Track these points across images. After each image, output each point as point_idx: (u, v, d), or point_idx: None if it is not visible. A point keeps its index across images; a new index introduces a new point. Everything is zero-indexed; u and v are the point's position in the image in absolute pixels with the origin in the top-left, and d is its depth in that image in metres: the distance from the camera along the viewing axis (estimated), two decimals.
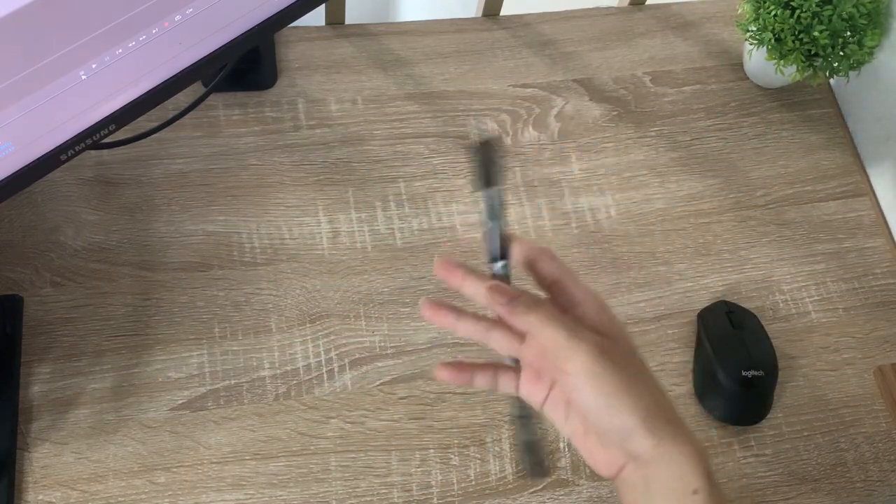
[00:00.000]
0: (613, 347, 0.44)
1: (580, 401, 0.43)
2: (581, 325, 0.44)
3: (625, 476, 0.44)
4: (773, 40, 0.78)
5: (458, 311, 0.49)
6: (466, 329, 0.49)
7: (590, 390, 0.42)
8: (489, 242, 0.49)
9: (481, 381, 0.50)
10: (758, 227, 0.80)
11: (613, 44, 0.88)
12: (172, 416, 0.67)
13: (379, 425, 0.68)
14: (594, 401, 0.43)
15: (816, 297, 0.78)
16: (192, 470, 0.65)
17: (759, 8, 0.78)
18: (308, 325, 0.71)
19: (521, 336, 0.47)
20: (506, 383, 0.50)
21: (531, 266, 0.50)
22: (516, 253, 0.49)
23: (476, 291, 0.48)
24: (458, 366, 0.50)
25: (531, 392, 0.49)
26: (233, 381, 0.68)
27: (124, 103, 0.58)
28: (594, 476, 0.68)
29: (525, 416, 0.50)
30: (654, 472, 0.42)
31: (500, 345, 0.48)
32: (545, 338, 0.44)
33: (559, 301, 0.48)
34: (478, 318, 0.49)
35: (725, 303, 0.75)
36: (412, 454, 0.68)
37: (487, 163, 0.50)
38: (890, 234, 0.82)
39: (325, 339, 0.71)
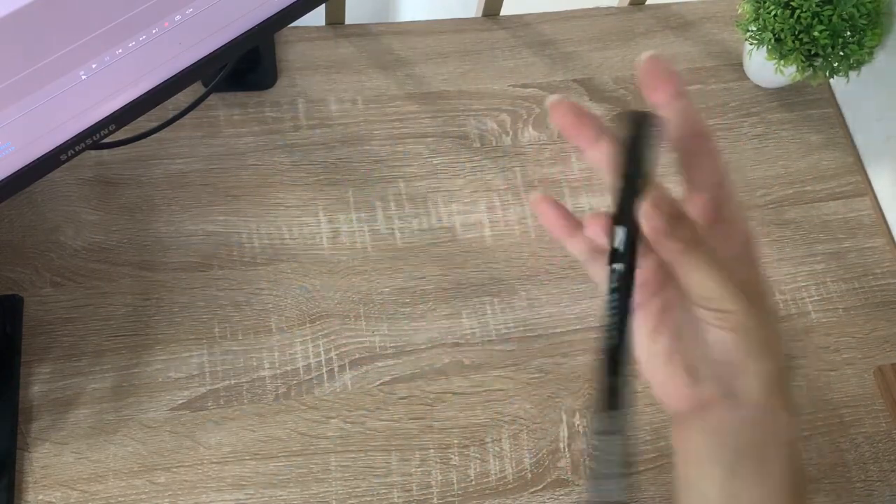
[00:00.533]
0: (766, 306, 0.40)
1: (722, 342, 0.39)
2: (733, 276, 0.39)
3: (691, 422, 0.40)
4: (773, 40, 0.78)
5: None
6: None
7: (725, 329, 0.39)
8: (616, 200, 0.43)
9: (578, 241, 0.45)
10: (758, 227, 0.80)
11: (613, 44, 0.88)
12: (172, 416, 0.67)
13: (379, 425, 0.68)
14: (726, 340, 0.39)
15: (816, 297, 0.78)
16: (192, 470, 0.65)
17: (759, 8, 0.78)
18: (308, 325, 0.71)
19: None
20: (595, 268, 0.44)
21: (686, 164, 0.42)
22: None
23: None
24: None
25: (640, 289, 0.42)
26: (233, 381, 0.68)
27: (124, 103, 0.58)
28: None
29: (610, 436, 0.39)
30: (753, 416, 0.39)
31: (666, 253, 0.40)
32: (695, 281, 0.39)
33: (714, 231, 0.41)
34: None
35: None
36: (412, 454, 0.68)
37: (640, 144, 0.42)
38: (890, 234, 0.82)
39: (325, 339, 0.71)
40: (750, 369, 0.39)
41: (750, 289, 0.39)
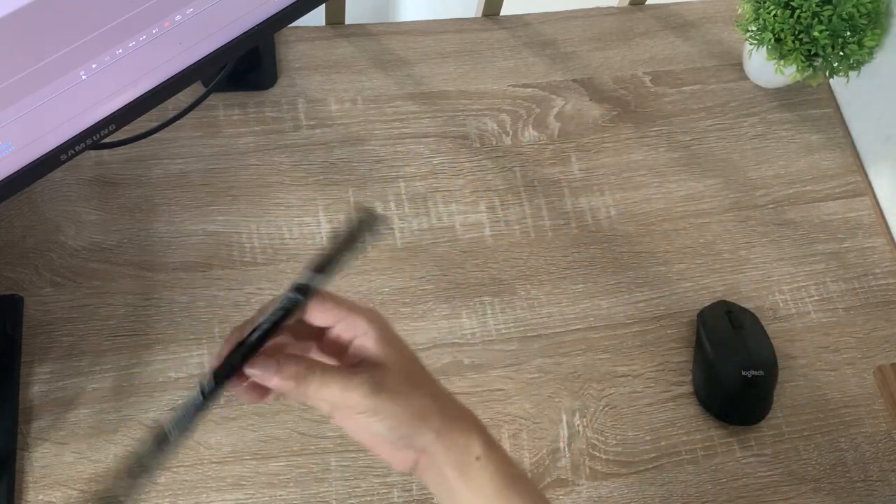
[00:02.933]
0: (386, 375, 0.47)
1: (364, 439, 0.49)
2: (352, 371, 0.47)
3: (421, 466, 0.49)
4: (773, 40, 0.78)
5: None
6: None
7: (375, 423, 0.47)
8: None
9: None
10: (758, 227, 0.80)
11: (613, 44, 0.88)
12: None
13: None
14: (380, 428, 0.47)
15: (816, 297, 0.78)
16: (192, 470, 0.65)
17: (759, 8, 0.78)
18: None
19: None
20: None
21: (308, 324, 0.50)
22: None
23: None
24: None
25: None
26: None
27: (124, 103, 0.58)
28: (594, 476, 0.68)
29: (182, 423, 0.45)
30: (440, 457, 0.48)
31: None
32: (323, 396, 0.46)
33: (336, 341, 0.50)
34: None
35: (725, 303, 0.75)
36: None
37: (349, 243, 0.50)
38: (890, 234, 0.82)
39: None
40: (403, 426, 0.47)
41: (378, 360, 0.48)
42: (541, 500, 0.49)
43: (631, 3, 0.91)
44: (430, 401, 0.49)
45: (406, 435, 0.48)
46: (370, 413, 0.46)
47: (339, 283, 0.73)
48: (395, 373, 0.48)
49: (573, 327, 0.73)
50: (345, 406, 0.47)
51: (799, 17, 0.76)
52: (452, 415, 0.49)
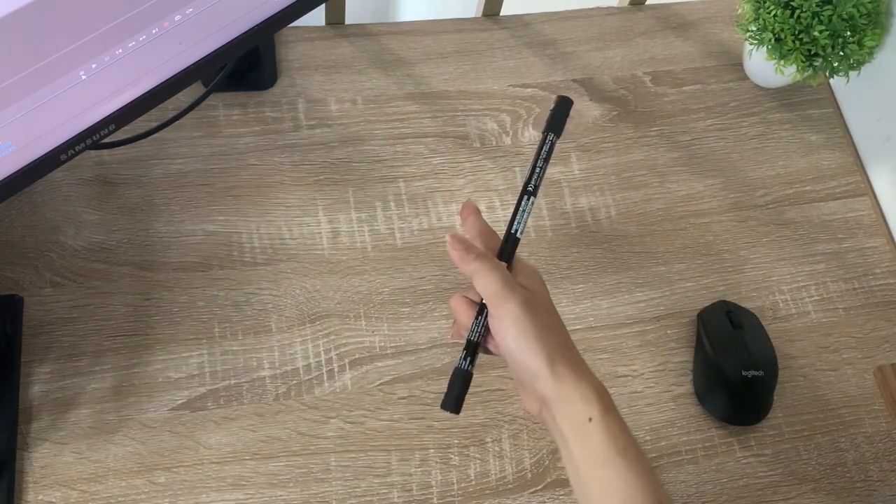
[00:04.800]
0: (536, 301, 0.52)
1: (504, 343, 0.51)
2: (514, 280, 0.52)
3: (542, 417, 0.52)
4: (773, 40, 0.78)
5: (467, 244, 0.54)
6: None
7: (513, 334, 0.50)
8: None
9: (455, 303, 0.55)
10: (758, 227, 0.80)
11: (613, 44, 0.88)
12: (172, 416, 0.67)
13: (379, 425, 0.68)
14: (515, 343, 0.51)
15: (816, 297, 0.78)
16: (192, 470, 0.65)
17: (759, 8, 0.78)
18: (308, 325, 0.71)
19: None
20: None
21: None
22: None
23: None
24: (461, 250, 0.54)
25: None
26: (233, 381, 0.68)
27: (124, 103, 0.58)
28: None
29: (473, 345, 0.54)
30: (557, 409, 0.50)
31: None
32: (482, 283, 0.52)
33: None
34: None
35: (725, 303, 0.75)
36: (412, 454, 0.68)
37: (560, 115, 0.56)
38: (890, 234, 0.82)
39: (325, 339, 0.71)
40: (534, 357, 0.50)
41: (528, 286, 0.53)
42: (647, 476, 0.49)
43: (631, 3, 0.91)
44: (562, 347, 0.51)
45: (533, 369, 0.50)
46: (514, 321, 0.50)
47: (340, 282, 0.73)
48: (541, 305, 0.53)
49: (573, 327, 0.73)
50: (496, 308, 0.51)
51: (799, 17, 0.76)
52: (577, 373, 0.51)
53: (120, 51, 0.53)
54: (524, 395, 0.53)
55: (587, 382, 0.50)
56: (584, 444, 0.49)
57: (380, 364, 0.70)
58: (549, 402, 0.50)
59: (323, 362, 0.70)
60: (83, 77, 0.52)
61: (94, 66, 0.52)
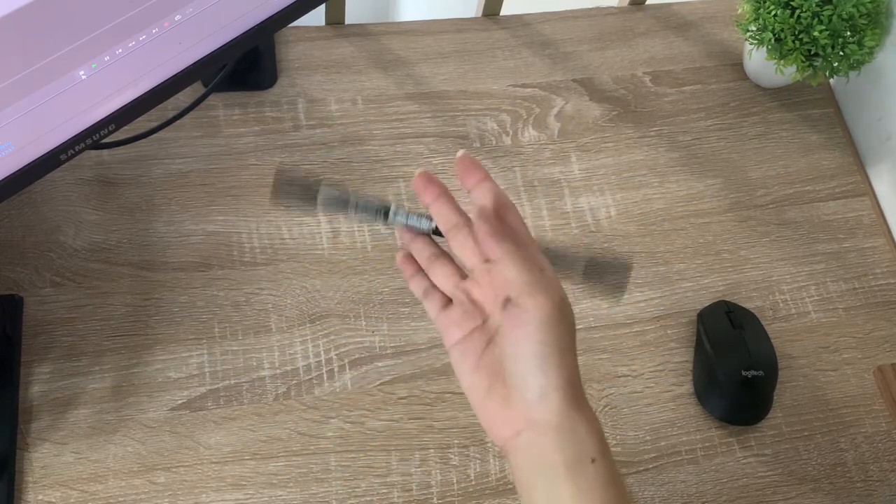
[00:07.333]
0: (569, 308, 0.44)
1: (516, 346, 0.43)
2: (549, 272, 0.44)
3: (520, 442, 0.44)
4: (773, 40, 0.78)
5: (444, 193, 0.48)
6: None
7: (539, 337, 0.42)
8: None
9: (415, 285, 0.51)
10: (758, 227, 0.80)
11: (613, 44, 0.88)
12: (172, 416, 0.67)
13: (379, 425, 0.68)
14: (533, 348, 0.42)
15: (816, 297, 0.78)
16: (192, 470, 0.65)
17: (759, 8, 0.78)
18: (308, 325, 0.71)
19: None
20: (430, 306, 0.50)
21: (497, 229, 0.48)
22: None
23: (449, 209, 0.48)
24: (408, 257, 0.51)
25: (449, 328, 0.48)
26: (233, 381, 0.68)
27: (124, 103, 0.58)
28: None
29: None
30: (554, 439, 0.43)
31: (464, 251, 0.47)
32: (512, 269, 0.43)
33: None
34: (457, 213, 0.48)
35: (725, 303, 0.75)
36: (412, 454, 0.68)
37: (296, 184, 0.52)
38: (890, 234, 0.82)
39: (325, 339, 0.71)
40: (551, 371, 0.42)
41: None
42: None
43: (631, 3, 0.91)
44: (576, 374, 0.44)
45: (545, 385, 0.42)
46: (544, 321, 0.42)
47: (340, 282, 0.73)
48: (570, 314, 0.44)
49: None
50: (527, 300, 0.43)
51: (799, 16, 0.76)
52: (585, 405, 0.44)
53: (120, 51, 0.53)
54: (496, 414, 0.45)
55: (589, 419, 0.44)
56: (579, 482, 0.42)
57: (380, 364, 0.70)
58: (542, 430, 0.43)
59: (323, 362, 0.70)
60: (83, 77, 0.52)
61: (93, 66, 0.52)
